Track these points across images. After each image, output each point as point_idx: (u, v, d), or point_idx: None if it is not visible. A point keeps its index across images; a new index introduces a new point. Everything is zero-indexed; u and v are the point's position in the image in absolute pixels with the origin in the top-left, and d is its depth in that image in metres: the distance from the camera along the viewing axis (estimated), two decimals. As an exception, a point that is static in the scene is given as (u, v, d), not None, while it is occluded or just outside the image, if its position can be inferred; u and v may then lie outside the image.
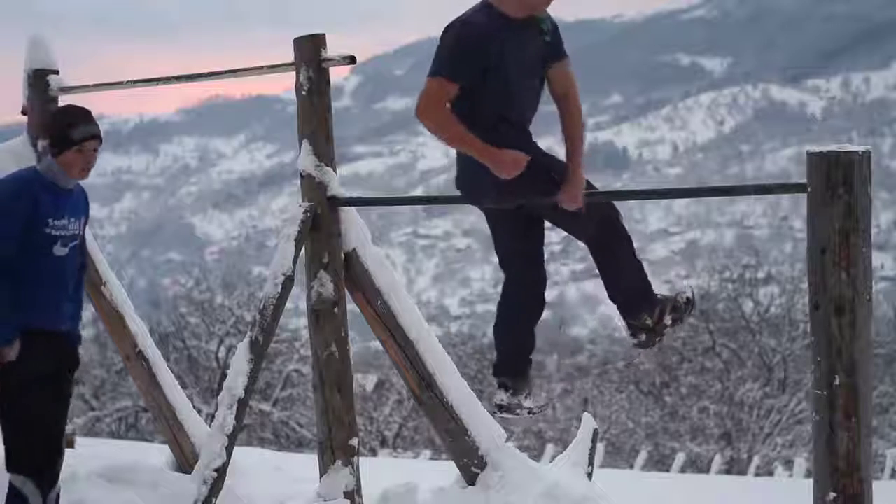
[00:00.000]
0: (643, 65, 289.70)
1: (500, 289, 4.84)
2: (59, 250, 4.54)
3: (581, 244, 4.73)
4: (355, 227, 5.25)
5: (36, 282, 4.49)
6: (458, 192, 4.74)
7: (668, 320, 4.66)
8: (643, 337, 4.69)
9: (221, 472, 4.83)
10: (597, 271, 4.69)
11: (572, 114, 4.56)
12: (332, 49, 5.11)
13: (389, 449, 28.64)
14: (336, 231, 5.19)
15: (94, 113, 4.55)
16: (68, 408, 4.80)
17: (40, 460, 4.53)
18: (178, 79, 5.75)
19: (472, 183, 4.56)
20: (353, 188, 5.95)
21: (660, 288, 4.80)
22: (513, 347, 4.82)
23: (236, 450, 5.02)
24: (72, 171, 4.52)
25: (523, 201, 4.50)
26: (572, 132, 4.53)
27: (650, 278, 4.74)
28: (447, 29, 4.38)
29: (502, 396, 4.83)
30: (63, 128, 4.50)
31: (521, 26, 4.39)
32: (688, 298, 4.73)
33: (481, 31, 4.29)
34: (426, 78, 4.32)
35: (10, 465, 4.50)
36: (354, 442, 5.26)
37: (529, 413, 4.85)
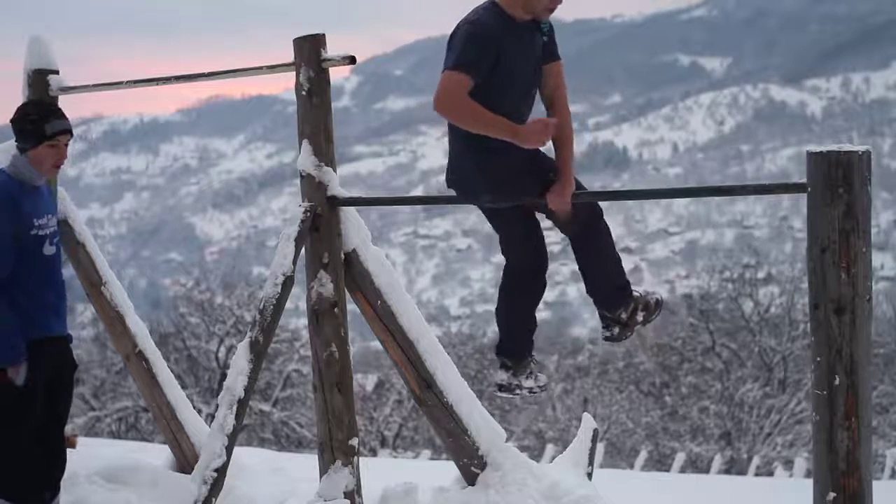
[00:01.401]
0: (643, 65, 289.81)
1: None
2: (49, 249, 4.50)
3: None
4: (355, 227, 5.24)
5: (35, 289, 4.44)
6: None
7: (639, 317, 4.79)
8: (616, 330, 4.82)
9: (221, 472, 4.82)
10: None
11: (561, 115, 4.60)
12: (332, 49, 5.10)
13: (389, 449, 28.64)
14: (336, 231, 5.18)
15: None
16: (66, 413, 4.77)
17: (16, 481, 4.46)
18: (178, 79, 5.73)
19: (467, 182, 4.58)
20: (353, 188, 5.94)
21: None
22: (513, 328, 4.86)
23: (236, 450, 5.02)
24: (43, 167, 4.44)
25: (517, 201, 4.53)
26: (561, 133, 4.55)
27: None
28: (457, 28, 4.41)
29: (503, 376, 4.89)
30: (36, 122, 4.43)
31: (525, 28, 4.45)
32: (657, 300, 4.86)
33: (490, 31, 4.34)
34: (443, 72, 4.31)
35: None
36: (354, 442, 5.26)
37: (530, 392, 4.93)
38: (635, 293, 4.79)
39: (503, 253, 4.82)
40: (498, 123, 4.32)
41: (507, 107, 4.41)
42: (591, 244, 4.67)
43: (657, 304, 4.83)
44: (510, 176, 4.43)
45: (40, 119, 4.43)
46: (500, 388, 4.91)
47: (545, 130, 4.33)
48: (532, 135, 4.31)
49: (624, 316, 4.77)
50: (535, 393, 4.95)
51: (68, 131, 4.49)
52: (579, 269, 4.74)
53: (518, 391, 4.89)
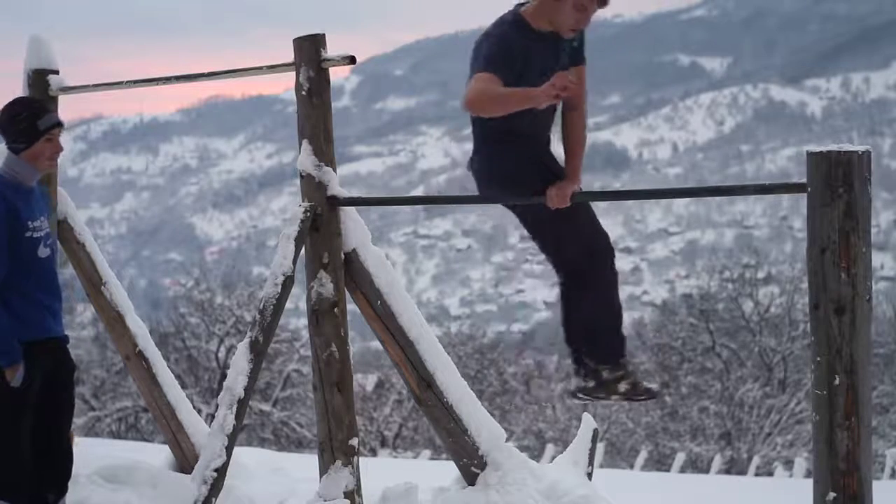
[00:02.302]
0: (643, 65, 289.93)
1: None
2: (43, 251, 4.49)
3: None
4: (355, 227, 5.24)
5: (30, 291, 4.44)
6: (457, 193, 4.75)
7: (622, 388, 4.52)
8: (591, 384, 4.53)
9: (221, 472, 4.82)
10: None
11: (578, 116, 4.58)
12: (332, 49, 5.10)
13: (389, 449, 28.65)
14: (336, 231, 5.18)
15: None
16: (70, 413, 4.77)
17: (15, 483, 4.45)
18: (178, 79, 5.74)
19: (480, 173, 4.58)
20: (353, 188, 5.94)
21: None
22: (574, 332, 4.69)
23: (236, 450, 5.02)
24: (40, 163, 4.42)
25: (519, 199, 4.51)
26: (574, 134, 4.54)
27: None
28: (481, 41, 4.38)
29: (579, 381, 4.66)
30: (29, 119, 4.41)
31: (549, 38, 4.41)
32: (648, 389, 4.57)
33: (514, 45, 4.31)
34: (474, 73, 4.26)
35: None
36: (354, 442, 5.26)
37: (625, 398, 4.57)
38: (631, 368, 4.54)
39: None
40: (515, 95, 4.22)
41: (531, 115, 4.37)
42: (593, 283, 4.50)
43: (647, 391, 4.54)
44: (519, 168, 4.42)
45: (31, 116, 4.42)
46: (573, 394, 4.68)
47: (554, 83, 4.08)
48: (542, 93, 4.12)
49: (605, 374, 4.51)
50: (631, 399, 4.58)
51: (60, 124, 4.50)
52: (569, 310, 4.53)
53: (597, 393, 4.54)
